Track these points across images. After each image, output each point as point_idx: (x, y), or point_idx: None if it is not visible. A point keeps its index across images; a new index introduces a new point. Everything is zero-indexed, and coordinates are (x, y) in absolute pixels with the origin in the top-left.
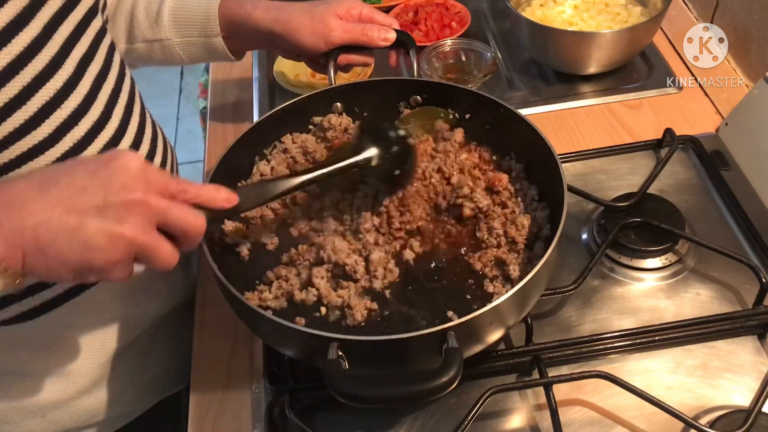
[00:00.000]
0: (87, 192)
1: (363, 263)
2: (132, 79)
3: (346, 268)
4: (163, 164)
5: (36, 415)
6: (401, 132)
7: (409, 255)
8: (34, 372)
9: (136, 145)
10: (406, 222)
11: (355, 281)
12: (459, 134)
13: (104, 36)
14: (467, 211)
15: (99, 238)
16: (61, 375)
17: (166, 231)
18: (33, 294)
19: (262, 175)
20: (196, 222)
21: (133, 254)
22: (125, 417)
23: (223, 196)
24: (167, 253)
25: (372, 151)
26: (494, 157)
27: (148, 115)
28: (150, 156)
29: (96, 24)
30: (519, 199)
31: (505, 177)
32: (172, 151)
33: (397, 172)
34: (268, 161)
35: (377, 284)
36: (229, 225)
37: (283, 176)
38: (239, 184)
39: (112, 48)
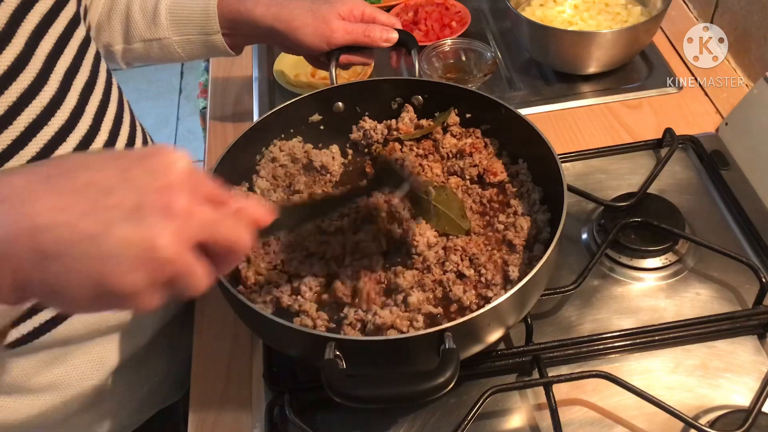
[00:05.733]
0: (114, 193)
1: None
2: (119, 88)
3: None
4: None
5: None
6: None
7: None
8: (33, 391)
9: None
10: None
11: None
12: (452, 117)
13: (89, 46)
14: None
15: (127, 250)
16: (61, 392)
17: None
18: (31, 316)
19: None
20: (246, 239)
21: (164, 279)
22: (125, 428)
23: (263, 210)
24: (202, 278)
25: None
26: (504, 152)
27: (137, 124)
28: None
29: (79, 34)
30: (521, 200)
31: (499, 167)
32: None
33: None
34: (257, 171)
35: (403, 325)
36: None
37: (317, 196)
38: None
39: (97, 57)
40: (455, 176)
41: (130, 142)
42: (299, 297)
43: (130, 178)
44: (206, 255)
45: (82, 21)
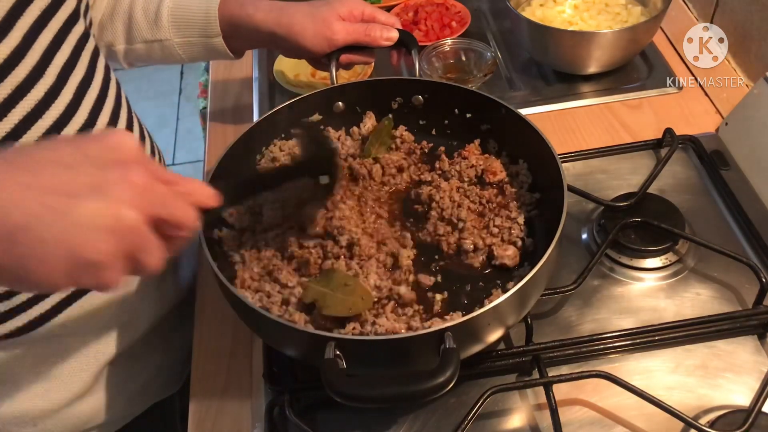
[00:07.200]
0: (74, 170)
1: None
2: (118, 84)
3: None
4: None
5: (27, 424)
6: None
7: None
8: (27, 382)
9: None
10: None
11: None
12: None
13: (87, 41)
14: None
15: (96, 219)
16: (55, 385)
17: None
18: (31, 307)
19: None
20: (193, 218)
21: (128, 249)
22: (118, 422)
23: (209, 193)
24: (160, 253)
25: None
26: (504, 152)
27: (135, 120)
28: None
29: (78, 29)
30: (521, 200)
31: (498, 166)
32: (161, 156)
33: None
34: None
35: (401, 328)
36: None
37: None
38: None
39: (96, 53)
40: (453, 179)
41: None
42: (288, 307)
43: (89, 154)
44: (156, 233)
45: (81, 17)
